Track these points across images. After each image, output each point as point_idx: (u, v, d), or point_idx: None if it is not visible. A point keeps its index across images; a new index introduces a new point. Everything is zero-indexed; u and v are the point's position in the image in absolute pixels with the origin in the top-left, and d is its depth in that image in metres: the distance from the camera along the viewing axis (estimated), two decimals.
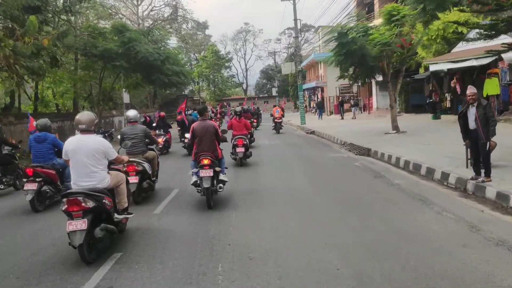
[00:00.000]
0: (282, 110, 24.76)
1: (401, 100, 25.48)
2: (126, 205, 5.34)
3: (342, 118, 29.26)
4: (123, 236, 5.54)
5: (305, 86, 55.27)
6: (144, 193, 7.59)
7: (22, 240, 5.90)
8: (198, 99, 60.92)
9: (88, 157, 4.73)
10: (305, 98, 54.83)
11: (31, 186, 7.07)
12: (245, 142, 11.18)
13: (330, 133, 18.63)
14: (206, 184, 6.63)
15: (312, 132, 21.84)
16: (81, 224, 4.38)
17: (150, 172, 7.57)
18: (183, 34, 56.03)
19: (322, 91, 42.46)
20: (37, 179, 7.18)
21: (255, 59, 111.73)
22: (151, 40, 34.42)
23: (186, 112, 17.76)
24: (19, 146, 10.56)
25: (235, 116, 12.37)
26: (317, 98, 43.38)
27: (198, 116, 7.56)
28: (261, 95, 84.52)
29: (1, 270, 4.71)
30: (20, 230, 6.42)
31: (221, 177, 7.16)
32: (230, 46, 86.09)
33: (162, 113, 16.63)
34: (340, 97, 33.84)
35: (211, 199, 6.78)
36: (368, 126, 20.71)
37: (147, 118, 17.86)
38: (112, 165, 5.32)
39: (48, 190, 7.42)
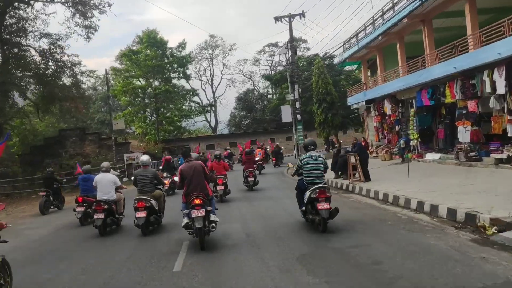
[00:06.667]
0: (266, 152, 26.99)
1: None
2: (122, 210, 9.79)
3: None
4: None
5: (369, 95, 22.59)
6: (151, 226, 8.68)
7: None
8: (110, 138, 26.16)
9: (106, 184, 9.32)
10: (388, 126, 21.65)
11: (80, 209, 10.59)
12: (224, 181, 12.62)
13: None
14: (199, 224, 6.63)
15: None
16: (101, 215, 8.76)
17: (156, 208, 8.72)
18: None
19: None
20: (84, 204, 10.61)
21: (226, 85, 79.68)
22: None
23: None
24: (64, 182, 17.56)
25: (215, 159, 13.76)
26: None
27: (184, 160, 7.76)
28: (238, 132, 51.48)
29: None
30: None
31: (212, 217, 7.08)
32: (190, 68, 52.50)
33: (168, 157, 17.81)
34: None
35: (203, 241, 6.72)
36: None
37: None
38: (117, 189, 9.67)
39: (90, 212, 10.30)
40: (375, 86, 21.97)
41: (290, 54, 23.53)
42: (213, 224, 6.95)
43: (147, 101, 37.31)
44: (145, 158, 9.27)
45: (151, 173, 8.91)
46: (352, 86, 33.00)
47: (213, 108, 56.96)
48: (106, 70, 27.43)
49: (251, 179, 14.62)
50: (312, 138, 9.98)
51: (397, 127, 20.03)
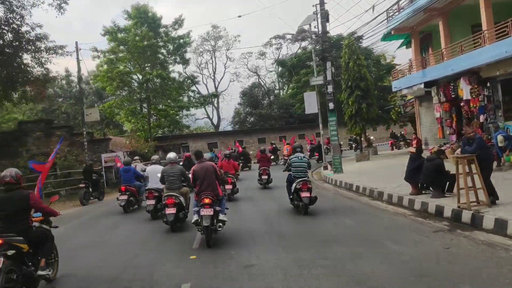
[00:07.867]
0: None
1: None
2: None
3: None
4: None
5: (431, 74, 15.87)
6: (179, 223, 8.70)
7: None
8: (82, 133, 20.28)
9: (156, 174, 9.65)
10: (465, 116, 15.42)
11: (123, 197, 11.67)
12: (233, 181, 12.86)
13: None
14: (206, 223, 6.84)
15: None
16: (152, 202, 10.00)
17: (184, 205, 8.80)
18: None
19: None
20: (126, 193, 11.74)
21: (229, 79, 73.75)
22: None
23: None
24: (102, 174, 18.09)
25: (225, 158, 14.28)
26: None
27: (196, 160, 8.01)
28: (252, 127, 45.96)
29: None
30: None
31: (221, 217, 7.26)
32: (189, 52, 46.54)
33: (188, 154, 18.08)
34: None
35: (210, 238, 6.94)
36: None
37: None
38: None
39: (132, 200, 11.98)
40: (442, 61, 15.93)
41: (320, 20, 17.53)
42: (220, 224, 7.17)
43: (139, 93, 31.05)
44: (172, 155, 9.41)
45: (178, 170, 9.01)
46: (384, 72, 27.13)
47: (215, 101, 51.11)
48: (76, 43, 21.42)
49: (264, 177, 15.07)
50: (299, 143, 15.54)
51: (481, 117, 14.01)
